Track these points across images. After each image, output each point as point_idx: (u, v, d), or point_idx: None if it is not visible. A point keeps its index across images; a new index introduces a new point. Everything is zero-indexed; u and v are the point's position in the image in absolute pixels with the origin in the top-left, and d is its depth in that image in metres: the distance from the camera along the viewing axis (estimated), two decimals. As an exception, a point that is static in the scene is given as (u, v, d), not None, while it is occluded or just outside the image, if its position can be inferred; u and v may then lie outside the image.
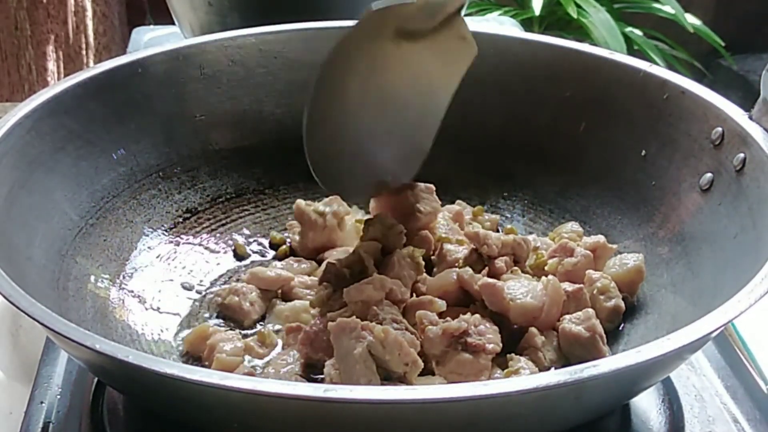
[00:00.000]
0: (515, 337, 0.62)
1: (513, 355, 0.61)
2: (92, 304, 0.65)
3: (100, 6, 1.58)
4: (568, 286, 0.65)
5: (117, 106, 0.74)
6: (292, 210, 0.75)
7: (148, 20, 1.67)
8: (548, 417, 0.49)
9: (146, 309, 0.68)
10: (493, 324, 0.61)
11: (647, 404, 0.60)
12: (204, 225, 0.77)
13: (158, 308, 0.69)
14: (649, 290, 0.67)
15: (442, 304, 0.63)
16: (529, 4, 2.04)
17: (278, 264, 0.73)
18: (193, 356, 0.64)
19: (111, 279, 0.68)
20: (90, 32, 1.58)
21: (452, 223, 0.73)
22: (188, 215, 0.77)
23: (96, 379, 0.61)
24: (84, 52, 1.58)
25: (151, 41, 1.20)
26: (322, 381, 0.58)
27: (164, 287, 0.71)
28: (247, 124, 0.81)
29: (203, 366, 0.62)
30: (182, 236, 0.76)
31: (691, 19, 2.08)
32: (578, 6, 1.98)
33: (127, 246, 0.72)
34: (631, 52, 1.96)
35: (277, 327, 0.67)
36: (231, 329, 0.66)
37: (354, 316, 0.58)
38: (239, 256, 0.76)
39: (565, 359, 0.62)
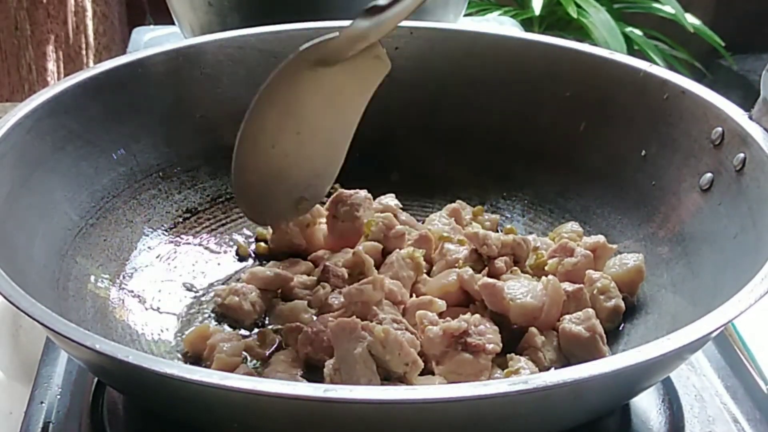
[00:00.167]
0: (515, 337, 0.62)
1: (513, 355, 0.61)
2: (92, 304, 0.65)
3: (100, 6, 1.59)
4: (568, 286, 0.65)
5: (117, 106, 0.74)
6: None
7: (148, 20, 1.67)
8: (548, 417, 0.49)
9: (146, 309, 0.68)
10: (493, 324, 0.61)
11: (647, 404, 0.60)
12: (204, 225, 0.77)
13: (158, 308, 0.69)
14: (649, 290, 0.67)
15: (442, 305, 0.63)
16: (529, 4, 2.04)
17: (278, 264, 0.73)
18: (194, 356, 0.64)
19: (111, 279, 0.68)
20: (90, 32, 1.58)
21: (453, 222, 0.73)
22: (188, 215, 0.77)
23: (96, 379, 0.61)
24: (84, 52, 1.58)
25: (151, 41, 1.20)
26: (322, 381, 0.58)
27: (164, 287, 0.71)
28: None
29: (203, 366, 0.62)
30: (182, 236, 0.76)
31: (691, 19, 2.08)
32: (578, 6, 1.98)
33: (127, 246, 0.72)
34: (631, 52, 1.96)
35: (277, 327, 0.67)
36: (231, 329, 0.67)
37: (354, 317, 0.58)
38: (241, 256, 0.76)
39: (565, 359, 0.62)
